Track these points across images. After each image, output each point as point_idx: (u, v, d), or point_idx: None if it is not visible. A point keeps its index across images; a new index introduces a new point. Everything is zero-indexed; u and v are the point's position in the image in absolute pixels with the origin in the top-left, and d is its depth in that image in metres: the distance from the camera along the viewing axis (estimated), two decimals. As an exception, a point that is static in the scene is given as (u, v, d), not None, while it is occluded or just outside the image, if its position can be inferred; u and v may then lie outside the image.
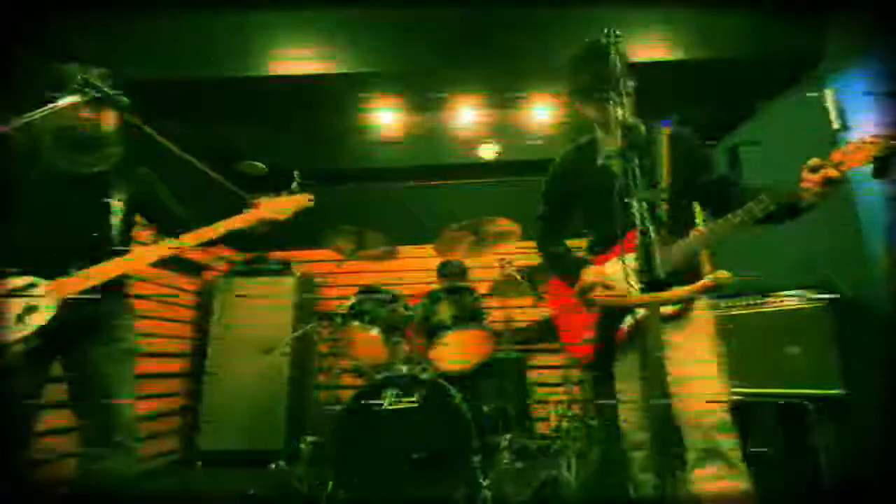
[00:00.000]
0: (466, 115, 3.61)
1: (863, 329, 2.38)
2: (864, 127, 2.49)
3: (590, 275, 1.54)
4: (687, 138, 1.58)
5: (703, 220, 1.48)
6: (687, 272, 1.38)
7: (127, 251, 1.63)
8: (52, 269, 1.48)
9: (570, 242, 1.81)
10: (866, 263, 2.46)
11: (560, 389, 3.41)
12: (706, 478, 1.31)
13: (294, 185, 1.93)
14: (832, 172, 1.23)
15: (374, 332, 2.54)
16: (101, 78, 1.55)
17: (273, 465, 2.84)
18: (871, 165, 1.22)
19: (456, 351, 2.58)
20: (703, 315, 1.49)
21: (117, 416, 1.56)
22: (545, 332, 3.51)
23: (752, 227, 1.33)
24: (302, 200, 1.89)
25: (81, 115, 1.57)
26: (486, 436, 2.48)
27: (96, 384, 1.57)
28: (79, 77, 1.43)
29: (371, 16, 2.95)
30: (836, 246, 2.64)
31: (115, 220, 1.66)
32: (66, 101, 1.38)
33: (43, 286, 1.45)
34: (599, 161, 1.62)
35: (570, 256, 1.74)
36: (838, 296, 2.45)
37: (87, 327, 1.56)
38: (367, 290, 2.73)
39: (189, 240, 1.68)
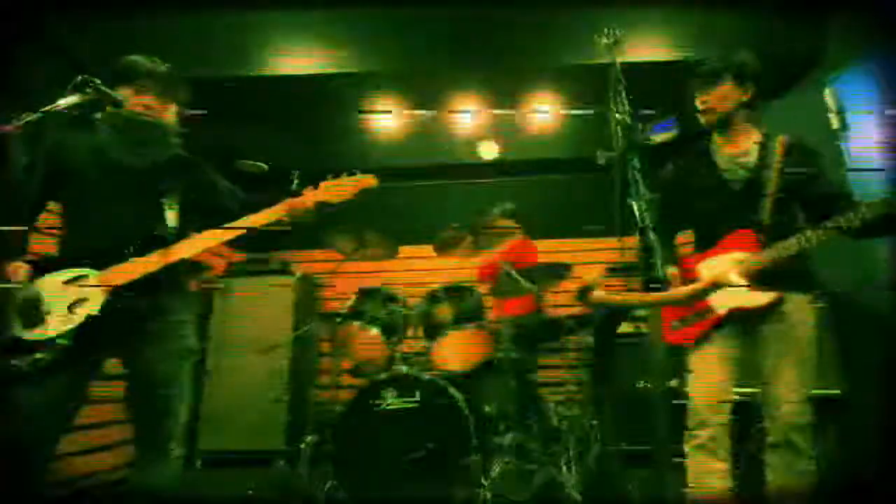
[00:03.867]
0: (466, 115, 3.61)
1: (863, 329, 2.38)
2: (864, 127, 2.50)
3: (592, 274, 1.59)
4: (801, 147, 1.63)
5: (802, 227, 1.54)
6: (789, 273, 1.49)
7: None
8: (106, 262, 1.44)
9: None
10: (866, 263, 2.46)
11: (560, 389, 3.41)
12: (778, 464, 1.47)
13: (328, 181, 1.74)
14: None
15: (374, 332, 2.53)
16: (164, 71, 1.58)
17: (273, 465, 2.83)
18: None
19: (456, 351, 2.58)
20: (804, 313, 1.55)
21: (170, 422, 1.49)
22: (546, 331, 3.51)
23: (849, 236, 1.44)
24: (366, 182, 1.72)
25: (142, 106, 1.54)
26: (486, 436, 2.48)
27: (150, 386, 1.49)
28: (79, 77, 1.42)
29: (371, 15, 2.95)
30: (836, 245, 2.64)
31: (172, 216, 1.59)
32: (65, 100, 1.36)
33: (93, 278, 1.41)
34: (719, 163, 1.68)
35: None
36: (837, 296, 2.46)
37: (142, 323, 1.49)
38: (367, 290, 2.73)
39: (245, 223, 1.56)
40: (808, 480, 1.45)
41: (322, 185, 1.67)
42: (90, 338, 1.38)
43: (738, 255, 1.54)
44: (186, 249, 1.51)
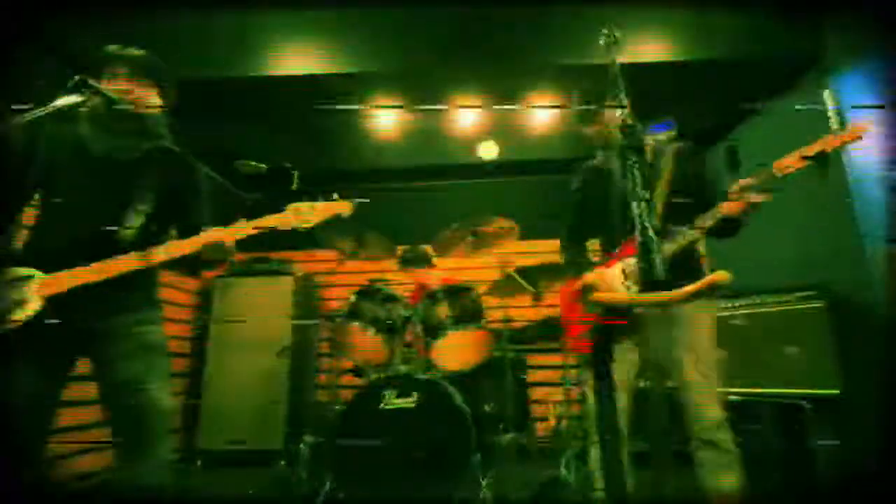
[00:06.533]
0: (466, 115, 3.61)
1: (861, 329, 2.38)
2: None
3: (590, 276, 1.62)
4: (689, 151, 1.71)
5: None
6: (682, 276, 1.43)
7: (145, 246, 1.43)
8: (58, 263, 1.35)
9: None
10: (864, 264, 2.46)
11: (560, 389, 3.41)
12: (704, 463, 1.50)
13: (335, 195, 1.66)
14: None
15: (374, 332, 2.53)
16: (139, 55, 1.51)
17: (273, 465, 2.84)
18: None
19: (456, 351, 2.58)
20: (704, 313, 1.58)
21: (146, 423, 1.41)
22: (545, 331, 3.51)
23: (708, 237, 1.50)
24: (339, 208, 1.64)
25: (123, 93, 1.44)
26: (486, 436, 2.48)
27: (121, 388, 1.42)
28: (77, 77, 1.41)
29: (371, 16, 2.95)
30: (835, 246, 2.64)
31: (140, 213, 1.48)
32: (63, 101, 1.35)
33: (36, 281, 1.34)
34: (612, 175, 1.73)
35: (585, 261, 1.88)
36: (836, 296, 2.46)
37: (102, 327, 1.42)
38: (367, 290, 2.72)
39: (198, 242, 1.46)
40: (735, 477, 1.48)
41: (291, 207, 1.58)
42: (45, 343, 1.33)
43: (628, 261, 1.58)
44: (137, 261, 1.41)
